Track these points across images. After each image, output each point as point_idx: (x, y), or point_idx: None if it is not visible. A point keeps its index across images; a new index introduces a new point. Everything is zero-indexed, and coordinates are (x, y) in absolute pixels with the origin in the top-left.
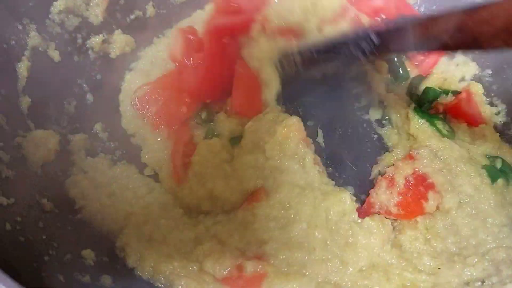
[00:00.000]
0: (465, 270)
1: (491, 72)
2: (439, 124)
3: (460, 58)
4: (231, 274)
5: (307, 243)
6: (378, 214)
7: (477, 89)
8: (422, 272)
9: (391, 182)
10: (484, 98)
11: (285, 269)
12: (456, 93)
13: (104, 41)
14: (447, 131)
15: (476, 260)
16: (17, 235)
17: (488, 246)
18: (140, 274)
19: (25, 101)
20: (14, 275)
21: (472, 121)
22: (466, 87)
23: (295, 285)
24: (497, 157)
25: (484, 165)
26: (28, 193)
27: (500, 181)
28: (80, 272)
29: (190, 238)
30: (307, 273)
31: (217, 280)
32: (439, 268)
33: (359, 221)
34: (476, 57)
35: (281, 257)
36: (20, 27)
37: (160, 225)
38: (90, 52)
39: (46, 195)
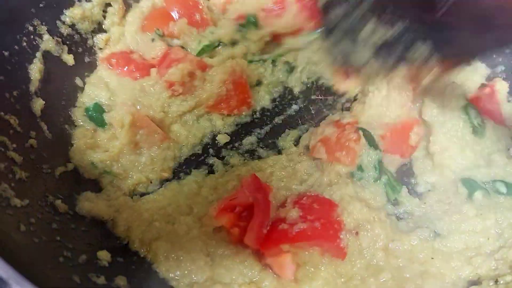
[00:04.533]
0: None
1: (504, 68)
2: (472, 113)
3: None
4: None
5: None
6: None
7: (502, 87)
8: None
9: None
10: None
11: None
12: (481, 86)
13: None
14: (478, 124)
15: (480, 260)
16: (31, 237)
17: (490, 247)
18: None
19: (38, 103)
20: (29, 276)
21: (491, 118)
22: (492, 82)
23: None
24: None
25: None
26: (42, 195)
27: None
28: (96, 273)
29: None
30: None
31: None
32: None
33: None
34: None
35: None
36: (31, 28)
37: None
38: (98, 51)
39: (60, 197)
